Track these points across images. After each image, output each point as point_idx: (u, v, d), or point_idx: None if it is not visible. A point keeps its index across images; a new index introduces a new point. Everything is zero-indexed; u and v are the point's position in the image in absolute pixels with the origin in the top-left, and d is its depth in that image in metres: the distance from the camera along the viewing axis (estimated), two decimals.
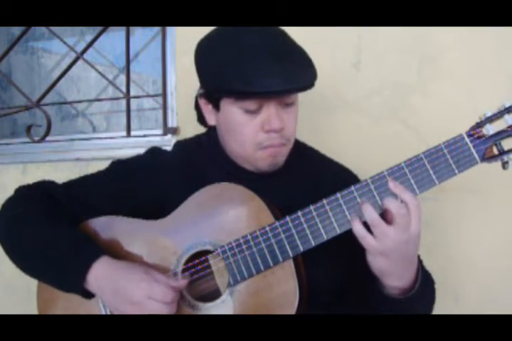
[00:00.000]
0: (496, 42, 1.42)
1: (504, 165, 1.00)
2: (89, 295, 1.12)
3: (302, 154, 1.26)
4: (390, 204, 0.99)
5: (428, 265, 1.40)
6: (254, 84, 1.05)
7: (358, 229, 1.00)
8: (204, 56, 1.15)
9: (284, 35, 1.14)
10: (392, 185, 1.01)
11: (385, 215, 1.01)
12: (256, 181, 1.17)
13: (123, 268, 1.09)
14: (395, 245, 0.98)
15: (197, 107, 1.26)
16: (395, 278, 1.03)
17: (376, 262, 1.01)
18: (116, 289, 1.07)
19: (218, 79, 1.10)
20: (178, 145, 1.30)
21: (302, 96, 1.20)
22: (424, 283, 1.07)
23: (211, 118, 1.21)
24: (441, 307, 1.42)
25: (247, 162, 1.18)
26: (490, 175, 1.38)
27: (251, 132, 1.12)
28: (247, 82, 1.06)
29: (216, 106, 1.17)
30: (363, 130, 1.54)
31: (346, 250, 1.12)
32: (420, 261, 1.12)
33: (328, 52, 1.56)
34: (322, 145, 1.33)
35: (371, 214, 0.99)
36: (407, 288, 1.05)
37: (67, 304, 1.19)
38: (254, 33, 1.10)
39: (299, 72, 1.09)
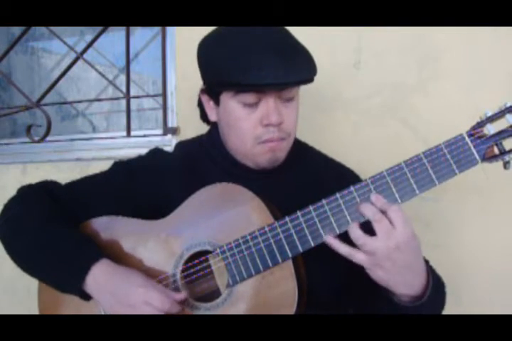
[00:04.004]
0: (495, 42, 1.42)
1: (506, 165, 0.99)
2: (87, 297, 1.12)
3: (304, 154, 1.27)
4: (366, 210, 0.98)
5: None
6: (253, 75, 1.06)
7: (345, 250, 0.99)
8: (206, 51, 1.16)
9: (286, 32, 1.15)
10: (374, 199, 0.99)
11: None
12: (257, 180, 1.17)
13: (122, 273, 1.09)
14: (385, 254, 0.96)
15: (200, 104, 1.26)
16: (400, 286, 1.00)
17: (375, 275, 0.99)
18: (114, 291, 1.07)
19: (218, 72, 1.11)
20: (180, 145, 1.31)
21: (302, 97, 1.20)
22: (435, 290, 1.04)
23: (212, 115, 1.22)
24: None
25: (247, 158, 1.18)
26: (491, 174, 1.38)
27: (250, 126, 1.12)
28: (246, 74, 1.06)
29: (216, 102, 1.17)
30: (363, 130, 1.54)
31: None
32: (430, 266, 1.10)
33: (328, 52, 1.56)
34: (322, 145, 1.33)
35: (355, 232, 0.98)
36: (417, 295, 1.02)
37: (68, 305, 1.19)
38: (257, 30, 1.11)
39: (299, 66, 1.09)
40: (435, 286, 1.04)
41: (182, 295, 1.09)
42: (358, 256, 0.98)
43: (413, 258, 0.99)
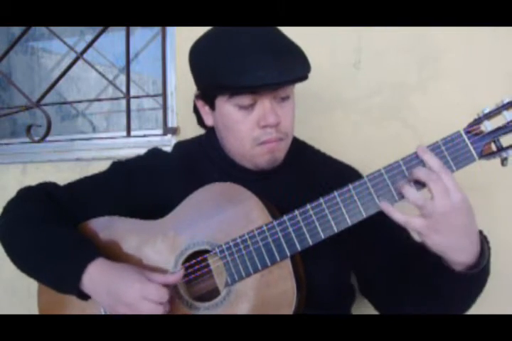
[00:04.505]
0: (495, 42, 1.42)
1: (503, 161, 0.99)
2: (84, 296, 1.12)
3: (302, 153, 1.27)
4: (419, 172, 0.96)
5: None
6: (248, 77, 1.05)
7: (400, 217, 0.97)
8: (198, 55, 1.15)
9: (278, 32, 1.15)
10: (421, 151, 0.98)
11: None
12: (256, 181, 1.17)
13: (116, 270, 1.09)
14: (442, 214, 0.93)
15: (195, 110, 1.26)
16: (457, 252, 0.97)
17: (432, 241, 0.96)
18: (110, 290, 1.07)
19: (212, 76, 1.10)
20: (178, 146, 1.31)
21: (302, 97, 1.20)
22: (488, 261, 1.02)
23: (208, 119, 1.21)
24: None
25: (245, 159, 1.18)
26: (491, 172, 1.38)
27: (247, 128, 1.12)
28: (241, 76, 1.05)
29: (212, 106, 1.17)
30: (363, 130, 1.54)
31: (348, 248, 1.12)
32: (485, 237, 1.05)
33: (328, 52, 1.56)
34: (322, 145, 1.33)
35: (414, 194, 0.96)
36: (471, 264, 0.99)
37: (68, 305, 1.19)
38: (248, 31, 1.10)
39: (293, 64, 1.08)
40: (488, 257, 1.01)
41: (178, 275, 1.09)
42: (414, 221, 0.96)
43: (468, 220, 0.96)
